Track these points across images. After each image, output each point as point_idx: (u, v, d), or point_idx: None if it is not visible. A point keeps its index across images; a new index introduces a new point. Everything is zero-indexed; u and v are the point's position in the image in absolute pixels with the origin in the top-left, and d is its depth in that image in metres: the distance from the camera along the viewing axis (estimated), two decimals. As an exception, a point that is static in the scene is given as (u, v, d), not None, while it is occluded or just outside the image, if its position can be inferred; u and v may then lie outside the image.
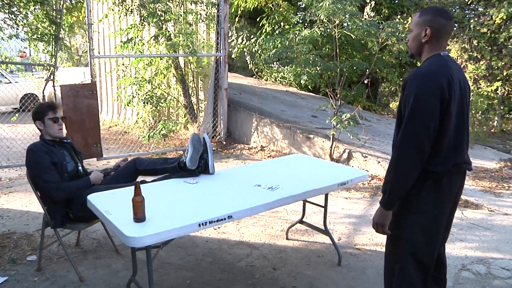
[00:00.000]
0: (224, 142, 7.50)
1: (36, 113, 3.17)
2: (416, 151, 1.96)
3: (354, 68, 6.97)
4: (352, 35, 6.16)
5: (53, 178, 3.01)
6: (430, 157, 2.00)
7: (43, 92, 6.32)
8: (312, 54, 5.86)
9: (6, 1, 5.80)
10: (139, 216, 2.28)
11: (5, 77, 12.05)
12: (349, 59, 8.09)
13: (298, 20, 8.74)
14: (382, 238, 3.72)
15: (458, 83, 2.02)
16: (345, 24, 6.20)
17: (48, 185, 3.00)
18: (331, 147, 6.22)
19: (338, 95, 6.18)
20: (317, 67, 6.24)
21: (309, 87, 9.43)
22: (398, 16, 10.57)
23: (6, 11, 5.83)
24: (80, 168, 3.31)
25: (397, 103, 7.09)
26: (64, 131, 3.10)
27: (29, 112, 8.70)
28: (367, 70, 6.41)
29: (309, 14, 6.19)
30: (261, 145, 7.31)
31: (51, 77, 6.08)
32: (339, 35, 5.97)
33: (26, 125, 7.82)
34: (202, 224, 2.31)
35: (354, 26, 5.61)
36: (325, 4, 5.39)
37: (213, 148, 7.27)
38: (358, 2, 5.76)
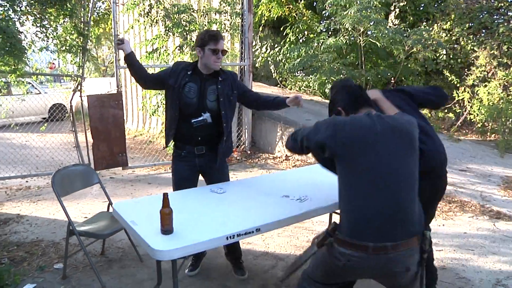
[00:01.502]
0: (249, 152, 7.49)
1: (199, 40, 2.99)
2: None
3: (379, 76, 6.89)
4: (377, 43, 6.09)
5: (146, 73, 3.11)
6: None
7: (70, 102, 6.44)
8: (337, 63, 5.81)
9: (38, 16, 5.95)
10: (166, 228, 2.24)
11: (35, 88, 12.38)
12: (374, 67, 8.00)
13: (322, 29, 8.71)
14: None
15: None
16: (370, 32, 6.14)
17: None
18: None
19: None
20: (342, 75, 6.18)
21: (334, 96, 9.36)
22: (424, 23, 10.39)
23: (38, 25, 5.98)
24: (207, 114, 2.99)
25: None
26: (218, 65, 2.98)
27: (57, 121, 8.93)
28: (393, 79, 6.32)
29: (333, 22, 6.15)
30: (286, 154, 7.27)
31: (79, 88, 6.20)
32: (364, 43, 5.91)
33: (54, 134, 8.02)
34: (230, 237, 2.26)
35: (380, 34, 5.54)
36: (351, 13, 5.35)
37: (238, 158, 7.26)
38: (383, 10, 5.71)
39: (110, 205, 3.65)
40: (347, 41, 6.21)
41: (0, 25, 4.85)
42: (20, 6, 5.77)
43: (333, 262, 2.04)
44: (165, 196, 2.24)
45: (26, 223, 4.49)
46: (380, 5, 6.36)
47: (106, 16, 14.11)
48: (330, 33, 7.88)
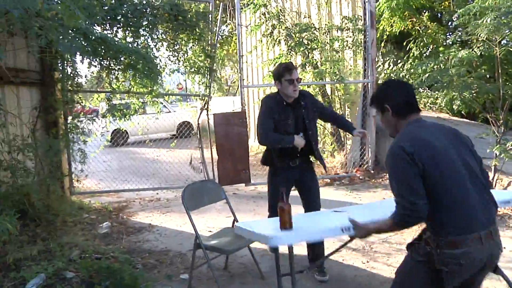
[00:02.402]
0: (372, 171, 7.18)
1: (275, 74, 3.48)
2: None
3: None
4: (517, 53, 5.44)
5: (266, 125, 3.41)
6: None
7: (198, 120, 6.84)
8: (471, 77, 5.30)
9: (171, 41, 6.49)
10: (285, 225, 2.27)
11: (166, 107, 13.50)
12: (510, 79, 7.18)
13: (450, 41, 8.09)
14: None
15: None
16: (505, 41, 5.54)
17: (259, 129, 3.48)
18: (493, 179, 5.48)
19: (501, 121, 5.45)
20: (472, 91, 5.63)
21: (462, 112, 8.60)
22: None
23: (171, 49, 6.51)
24: (301, 134, 3.45)
25: None
26: (297, 93, 3.43)
27: (185, 138, 9.55)
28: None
29: (464, 33, 5.64)
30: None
31: (205, 106, 6.56)
32: (500, 54, 5.31)
33: (182, 150, 8.59)
34: (345, 229, 2.26)
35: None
36: (486, 21, 4.85)
37: (361, 177, 7.01)
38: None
39: (235, 221, 3.72)
40: (482, 53, 5.62)
41: (141, 52, 5.34)
42: (157, 34, 6.34)
43: (435, 275, 1.89)
44: (283, 191, 2.20)
45: (156, 233, 4.81)
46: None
47: (229, 38, 14.95)
48: (459, 45, 7.28)
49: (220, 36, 15.80)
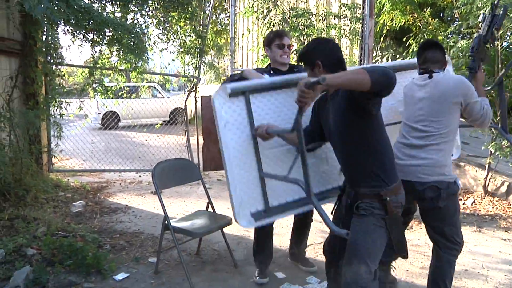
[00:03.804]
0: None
1: (265, 41, 3.12)
2: None
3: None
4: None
5: None
6: None
7: (185, 102, 6.62)
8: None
9: (162, 19, 6.25)
10: None
11: (159, 92, 13.25)
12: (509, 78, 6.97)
13: (450, 32, 7.82)
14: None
15: None
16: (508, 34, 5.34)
17: None
18: (486, 177, 5.29)
19: (498, 118, 5.23)
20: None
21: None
22: None
23: (160, 27, 6.27)
24: None
25: None
26: (287, 59, 3.05)
27: (176, 125, 9.38)
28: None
29: (465, 25, 5.41)
30: None
31: (194, 88, 6.34)
32: (501, 49, 5.10)
33: (171, 136, 8.38)
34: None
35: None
36: (488, 10, 4.62)
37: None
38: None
39: (210, 205, 3.52)
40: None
41: (126, 26, 5.11)
42: (147, 11, 6.10)
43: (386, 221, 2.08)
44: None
45: (131, 214, 4.61)
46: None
47: (228, 27, 14.72)
48: (460, 36, 7.05)
49: (219, 25, 15.67)
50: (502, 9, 2.91)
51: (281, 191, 2.50)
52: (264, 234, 3.14)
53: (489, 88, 3.00)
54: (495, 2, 2.79)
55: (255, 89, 2.47)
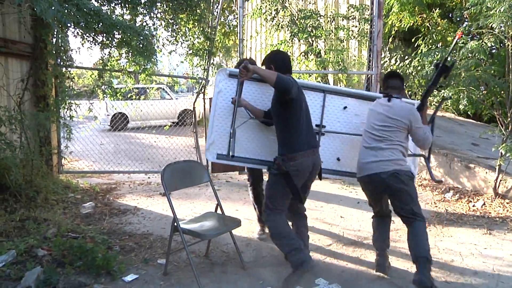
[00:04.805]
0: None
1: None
2: None
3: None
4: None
5: None
6: None
7: (193, 104, 6.64)
8: (480, 70, 5.03)
9: (170, 21, 6.27)
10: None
11: (168, 94, 13.30)
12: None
13: (462, 32, 7.73)
14: None
15: None
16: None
17: None
18: (496, 179, 5.23)
19: (509, 119, 5.19)
20: (480, 92, 5.36)
21: (468, 113, 8.31)
22: None
23: (169, 30, 6.30)
24: None
25: None
26: None
27: (185, 126, 9.40)
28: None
29: (476, 24, 5.36)
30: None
31: (202, 90, 6.35)
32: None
33: (179, 137, 8.41)
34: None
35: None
36: (499, 10, 4.58)
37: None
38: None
39: (219, 207, 3.53)
40: (493, 45, 5.33)
41: (135, 28, 5.14)
42: (156, 13, 6.13)
43: (284, 177, 3.08)
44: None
45: (140, 216, 4.63)
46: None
47: (236, 29, 14.74)
48: (470, 36, 6.96)
49: (227, 27, 15.68)
50: (451, 62, 3.77)
51: (247, 148, 3.56)
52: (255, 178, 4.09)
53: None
54: (442, 61, 3.49)
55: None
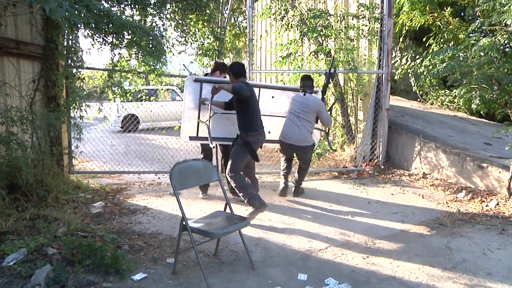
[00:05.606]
0: (382, 166, 6.88)
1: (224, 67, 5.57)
2: None
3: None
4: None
5: None
6: None
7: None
8: (492, 68, 4.94)
9: (180, 22, 6.30)
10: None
11: (178, 95, 13.33)
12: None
13: (474, 29, 7.56)
14: None
15: None
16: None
17: None
18: (510, 179, 5.14)
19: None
20: (494, 92, 5.27)
21: (481, 112, 8.19)
22: None
23: (179, 30, 6.32)
24: None
25: None
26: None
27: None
28: None
29: (488, 22, 5.27)
30: (423, 172, 6.50)
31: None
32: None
33: (189, 138, 8.40)
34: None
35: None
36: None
37: (370, 172, 6.72)
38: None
39: (228, 206, 3.52)
40: (507, 42, 5.23)
41: (145, 29, 5.17)
42: (166, 13, 6.16)
43: (246, 147, 4.56)
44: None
45: (150, 215, 4.63)
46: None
47: (246, 30, 14.73)
48: (482, 34, 6.86)
49: (237, 28, 15.68)
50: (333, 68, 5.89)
51: (214, 130, 5.02)
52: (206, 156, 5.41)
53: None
54: (329, 68, 5.78)
55: (205, 81, 5.14)
